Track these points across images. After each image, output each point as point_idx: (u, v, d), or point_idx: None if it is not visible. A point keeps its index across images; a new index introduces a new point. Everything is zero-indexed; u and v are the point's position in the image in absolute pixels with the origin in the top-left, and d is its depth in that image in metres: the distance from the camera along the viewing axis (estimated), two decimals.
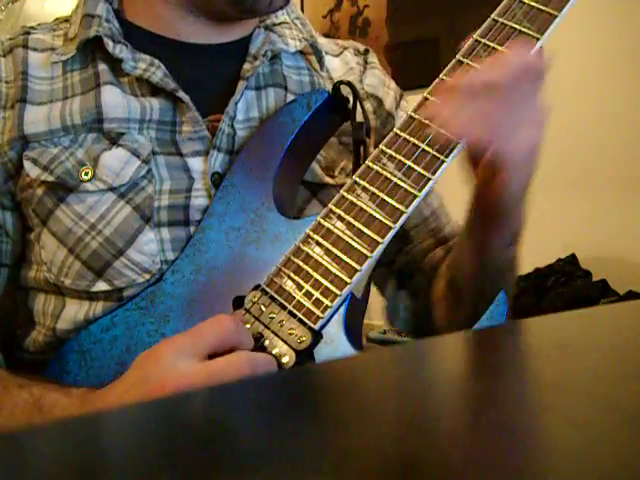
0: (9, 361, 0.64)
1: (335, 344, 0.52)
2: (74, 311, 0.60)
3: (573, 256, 2.11)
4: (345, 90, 0.65)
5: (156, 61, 0.63)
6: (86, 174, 0.59)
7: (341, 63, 0.73)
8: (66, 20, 0.69)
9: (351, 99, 0.65)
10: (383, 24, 2.60)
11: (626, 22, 2.04)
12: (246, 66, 0.66)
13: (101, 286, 0.59)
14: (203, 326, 0.48)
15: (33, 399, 0.53)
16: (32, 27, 0.68)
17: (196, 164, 0.62)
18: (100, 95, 0.62)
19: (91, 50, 0.64)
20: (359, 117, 0.66)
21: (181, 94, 0.62)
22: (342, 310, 0.53)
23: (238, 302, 0.54)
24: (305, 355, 0.50)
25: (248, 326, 0.52)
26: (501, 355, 0.31)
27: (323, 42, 0.74)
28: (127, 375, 0.48)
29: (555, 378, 0.25)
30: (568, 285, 2.00)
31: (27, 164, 0.61)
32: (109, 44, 0.62)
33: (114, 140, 0.61)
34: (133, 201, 0.59)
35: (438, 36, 2.45)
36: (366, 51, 0.77)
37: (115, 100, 0.62)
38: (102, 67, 0.63)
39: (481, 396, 0.25)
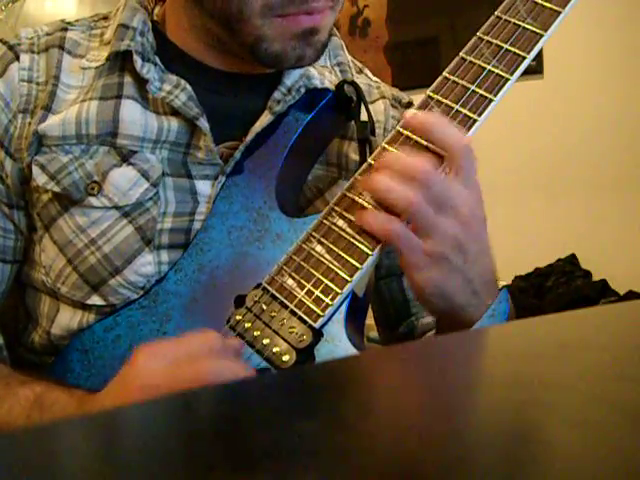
0: (11, 358, 0.64)
1: (336, 342, 0.52)
2: (68, 318, 0.60)
3: (573, 256, 2.11)
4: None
5: (182, 82, 0.61)
6: (92, 189, 0.59)
7: (372, 112, 0.69)
8: (105, 17, 0.68)
9: (355, 99, 0.65)
10: (383, 24, 2.60)
11: (629, 21, 2.04)
12: (276, 95, 0.63)
13: (95, 300, 0.59)
14: (189, 337, 0.48)
15: (34, 395, 0.53)
16: (70, 23, 0.67)
17: (204, 188, 0.61)
18: (119, 108, 0.61)
19: (121, 59, 0.62)
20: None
21: (201, 122, 0.60)
22: (343, 309, 0.53)
23: (240, 301, 0.54)
24: (306, 353, 0.51)
25: (249, 325, 0.53)
26: (501, 355, 0.31)
27: (363, 86, 0.69)
28: (113, 381, 0.49)
29: (555, 378, 0.25)
30: (568, 285, 2.00)
31: (35, 170, 0.60)
32: (138, 62, 0.60)
33: (125, 157, 0.60)
34: (136, 221, 0.59)
35: (438, 36, 2.45)
36: (408, 104, 0.74)
37: (133, 117, 0.61)
38: (128, 79, 0.62)
39: (481, 396, 0.25)
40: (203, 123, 0.60)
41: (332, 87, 0.65)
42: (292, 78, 0.64)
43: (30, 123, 0.61)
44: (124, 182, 0.59)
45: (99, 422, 0.24)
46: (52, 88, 0.62)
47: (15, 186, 0.62)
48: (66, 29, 0.65)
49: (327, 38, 0.60)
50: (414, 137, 0.54)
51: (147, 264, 0.59)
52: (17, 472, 0.18)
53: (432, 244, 0.50)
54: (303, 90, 0.63)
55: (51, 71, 0.62)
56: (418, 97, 0.76)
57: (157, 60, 0.62)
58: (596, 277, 2.04)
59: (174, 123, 0.61)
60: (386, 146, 0.55)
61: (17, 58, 0.62)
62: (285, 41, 0.58)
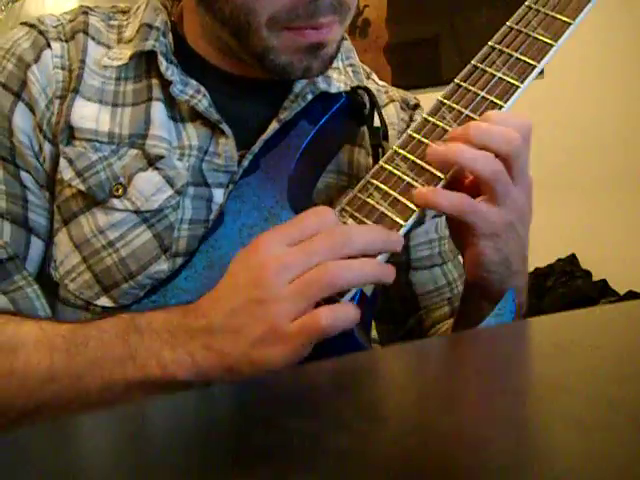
0: None
1: (342, 340, 0.52)
2: (66, 319, 0.59)
3: (573, 256, 2.11)
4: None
5: (202, 88, 0.61)
6: (117, 190, 0.58)
7: (385, 117, 0.68)
8: (122, 11, 0.67)
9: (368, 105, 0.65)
10: (383, 24, 2.60)
11: (629, 21, 2.04)
12: (285, 104, 0.63)
13: (104, 301, 0.58)
14: (303, 216, 0.50)
15: (66, 330, 0.52)
16: (89, 7, 0.66)
17: (218, 195, 0.61)
18: (150, 109, 0.61)
19: (145, 61, 0.62)
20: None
21: (224, 127, 0.60)
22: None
23: None
24: None
25: None
26: (501, 355, 0.31)
27: (373, 91, 0.69)
28: (223, 281, 0.50)
29: (555, 378, 0.25)
30: (568, 285, 2.00)
31: (63, 162, 0.59)
32: (163, 63, 0.60)
33: (152, 161, 0.59)
34: (155, 228, 0.59)
35: (438, 36, 2.45)
36: (415, 106, 0.74)
37: (162, 119, 0.60)
38: (155, 81, 0.61)
39: (482, 396, 0.25)
40: (227, 129, 0.60)
41: (343, 88, 0.65)
42: (300, 84, 0.64)
43: (62, 109, 0.60)
44: (149, 187, 0.59)
45: (97, 421, 0.24)
46: (79, 72, 0.61)
47: (47, 171, 0.61)
48: (87, 13, 0.65)
49: (335, 50, 0.60)
50: (426, 141, 0.55)
51: (161, 272, 0.58)
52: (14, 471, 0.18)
53: (505, 213, 0.52)
54: (310, 97, 0.63)
55: (79, 55, 0.62)
56: (417, 97, 0.76)
57: (177, 63, 0.62)
58: (596, 277, 2.04)
59: (195, 128, 0.61)
60: (397, 149, 0.56)
61: (49, 45, 0.62)
62: (292, 54, 0.58)
